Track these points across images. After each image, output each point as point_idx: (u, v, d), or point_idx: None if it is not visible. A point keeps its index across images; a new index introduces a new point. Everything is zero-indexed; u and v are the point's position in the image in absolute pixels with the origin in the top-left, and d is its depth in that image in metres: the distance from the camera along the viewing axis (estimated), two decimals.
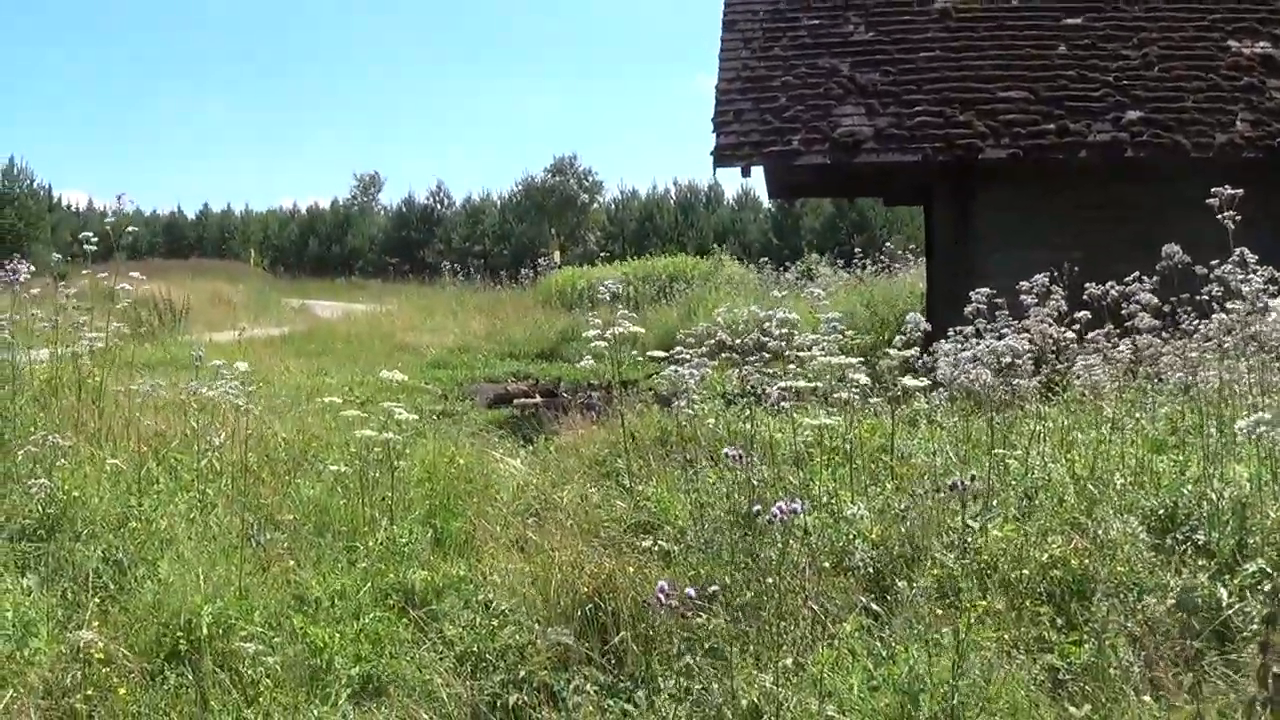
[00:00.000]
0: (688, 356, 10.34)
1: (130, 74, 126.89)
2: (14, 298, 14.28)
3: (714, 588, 5.79)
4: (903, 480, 8.75)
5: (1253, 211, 9.22)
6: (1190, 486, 7.85)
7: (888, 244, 43.39)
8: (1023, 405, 9.92)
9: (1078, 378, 10.01)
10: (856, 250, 41.44)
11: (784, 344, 9.98)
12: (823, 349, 9.08)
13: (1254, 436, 6.42)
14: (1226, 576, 6.55)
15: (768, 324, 10.21)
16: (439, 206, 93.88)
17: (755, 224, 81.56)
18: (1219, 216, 6.95)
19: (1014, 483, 8.47)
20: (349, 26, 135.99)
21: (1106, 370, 9.79)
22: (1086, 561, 6.92)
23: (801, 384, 8.72)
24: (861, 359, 9.52)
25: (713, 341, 11.21)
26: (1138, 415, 9.54)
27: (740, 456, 7.43)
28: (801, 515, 6.42)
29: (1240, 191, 7.03)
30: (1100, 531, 7.26)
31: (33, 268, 14.79)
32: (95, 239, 12.87)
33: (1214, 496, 7.47)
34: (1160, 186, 18.17)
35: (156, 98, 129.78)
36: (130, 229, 13.83)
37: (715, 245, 56.19)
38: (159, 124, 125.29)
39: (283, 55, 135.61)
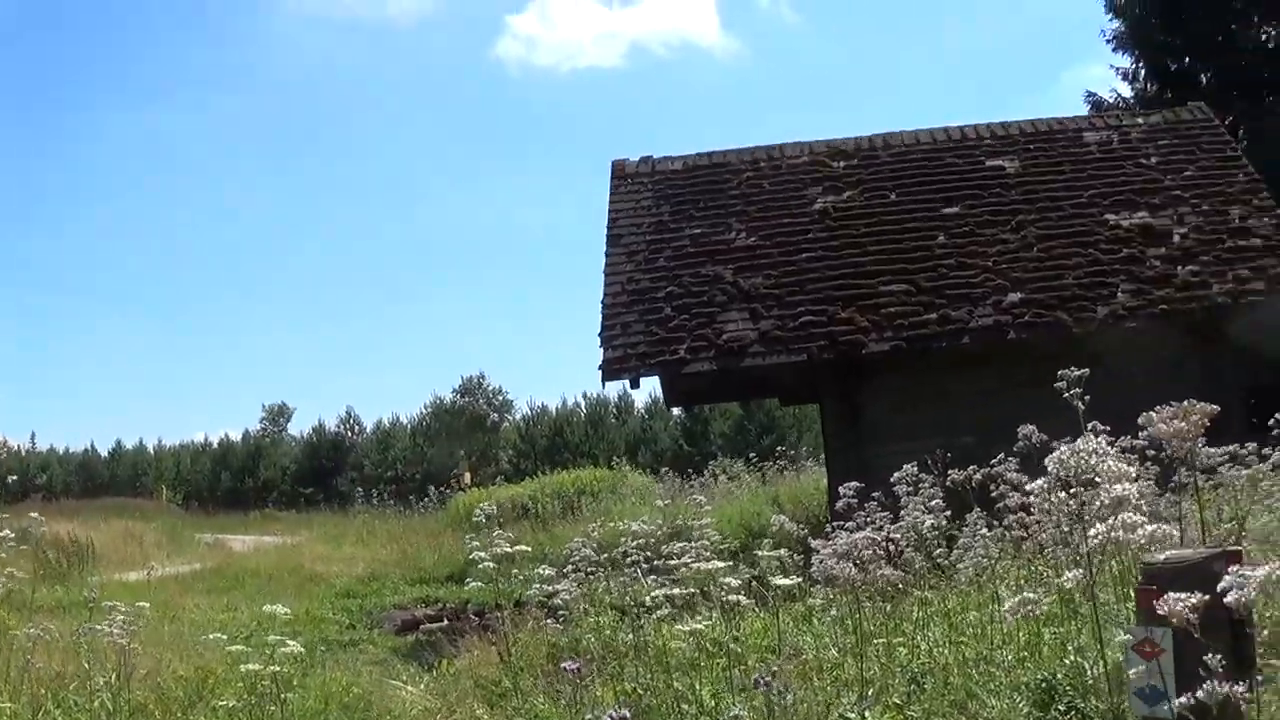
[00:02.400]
0: (574, 571, 10.45)
1: (38, 315, 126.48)
2: None
3: None
4: (790, 677, 8.83)
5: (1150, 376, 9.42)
6: (1072, 658, 7.95)
7: (783, 445, 43.81)
8: (911, 592, 10.03)
9: (960, 561, 10.15)
10: (765, 451, 41.74)
11: (653, 554, 10.11)
12: (692, 555, 9.17)
13: (1020, 615, 6.56)
14: None
15: (631, 539, 10.35)
16: (349, 434, 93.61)
17: (666, 432, 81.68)
18: (1065, 395, 7.11)
19: (900, 669, 8.56)
20: (241, 253, 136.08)
21: (990, 551, 9.94)
22: None
23: (677, 591, 8.80)
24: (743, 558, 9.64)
25: (606, 556, 11.31)
26: (1024, 597, 9.65)
27: (578, 669, 7.52)
28: None
29: (1087, 371, 7.19)
30: (981, 711, 7.35)
31: None
32: (14, 478, 12.88)
33: (1090, 666, 7.57)
34: (1050, 364, 18.55)
35: (64, 337, 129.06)
36: (43, 469, 13.85)
37: (626, 456, 56.37)
38: (68, 362, 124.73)
39: (187, 286, 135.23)
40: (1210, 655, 3.84)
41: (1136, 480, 6.94)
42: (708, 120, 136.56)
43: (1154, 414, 6.14)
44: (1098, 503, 4.75)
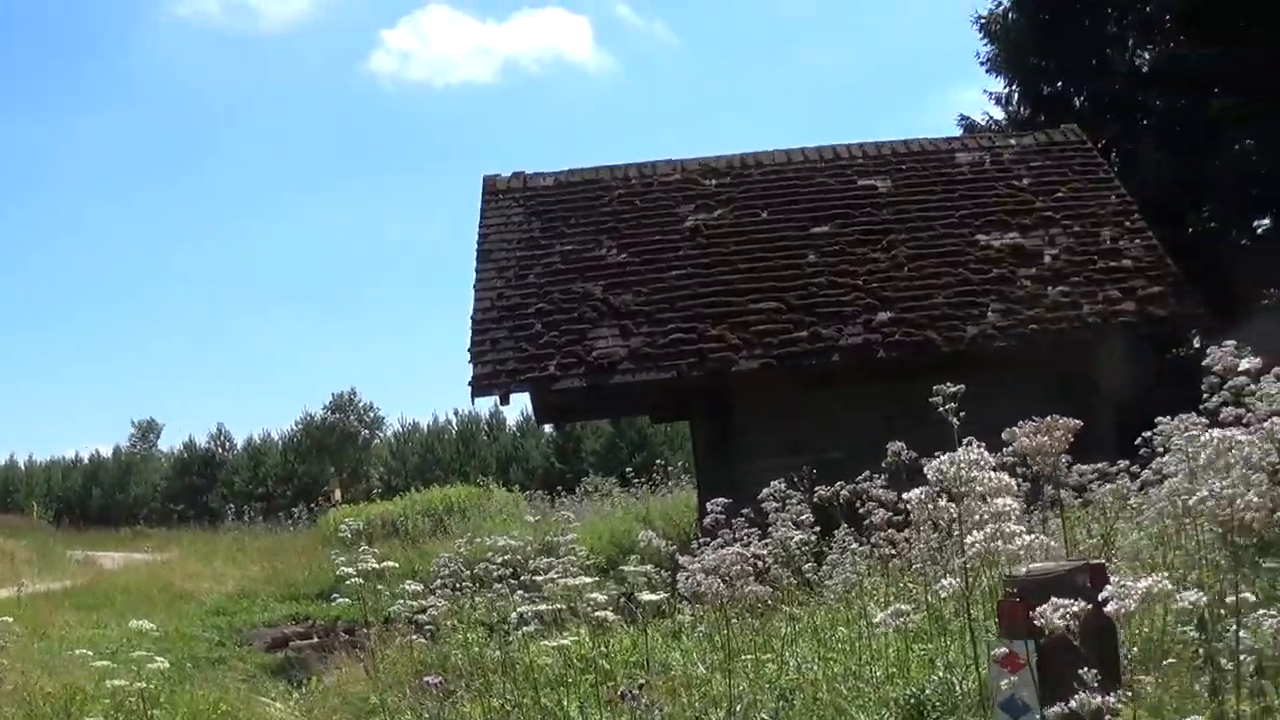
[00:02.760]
0: (441, 588, 10.38)
1: None
2: None
3: None
4: (658, 693, 8.78)
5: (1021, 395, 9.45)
6: (940, 674, 7.95)
7: (655, 463, 43.84)
8: (779, 608, 10.01)
9: (828, 578, 10.15)
10: (637, 469, 41.71)
11: (519, 569, 10.05)
12: (559, 571, 9.10)
13: (893, 626, 6.57)
14: None
15: (498, 554, 10.29)
16: (220, 450, 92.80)
17: (538, 449, 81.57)
18: (940, 410, 7.10)
19: (768, 685, 8.53)
20: (110, 267, 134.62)
21: (858, 566, 9.95)
22: None
23: (545, 607, 8.73)
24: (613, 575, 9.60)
25: (473, 572, 11.24)
26: (896, 608, 9.65)
27: (442, 683, 7.47)
28: None
29: (962, 387, 7.19)
30: None
31: None
32: None
33: (959, 682, 7.57)
34: (919, 381, 18.66)
35: None
36: None
37: (498, 473, 56.27)
38: None
39: (53, 301, 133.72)
40: (1084, 668, 3.83)
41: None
42: (581, 137, 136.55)
43: (1017, 429, 6.14)
44: (977, 514, 4.73)
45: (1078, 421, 5.90)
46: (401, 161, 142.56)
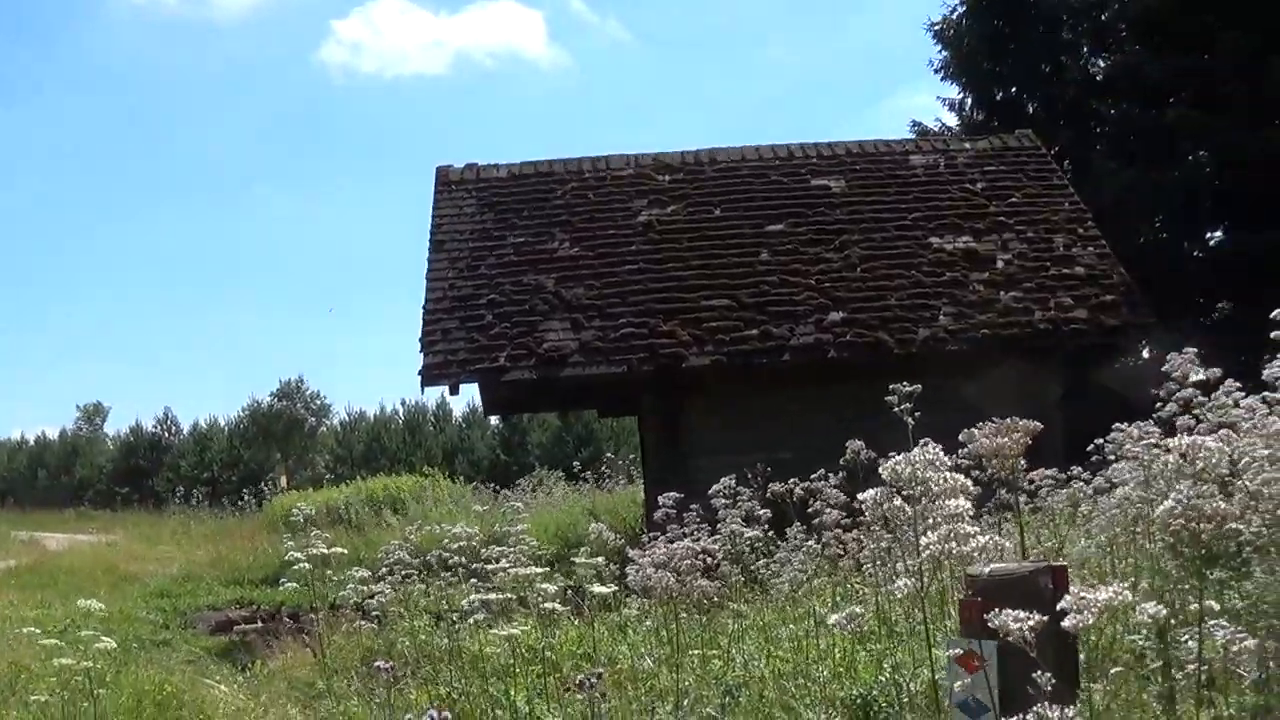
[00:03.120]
0: (389, 574, 10.37)
1: None
2: None
3: None
4: (605, 685, 8.76)
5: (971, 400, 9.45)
6: (887, 674, 7.95)
7: (608, 455, 43.87)
8: (727, 605, 10.01)
9: (776, 576, 10.15)
10: (583, 463, 41.74)
11: (469, 559, 10.05)
12: (510, 561, 9.07)
13: (846, 628, 6.58)
14: None
15: (451, 541, 10.29)
16: (166, 434, 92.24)
17: (483, 441, 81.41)
18: (895, 410, 7.10)
19: (714, 681, 8.52)
20: (60, 251, 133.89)
21: (807, 565, 9.96)
22: None
23: (494, 596, 8.70)
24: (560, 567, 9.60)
25: (421, 560, 11.23)
26: (841, 608, 9.65)
27: (391, 669, 7.45)
28: None
29: (918, 387, 7.19)
30: None
31: None
32: None
33: (907, 683, 7.56)
34: (870, 383, 18.72)
35: None
36: None
37: (444, 463, 56.13)
38: None
39: (1, 283, 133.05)
40: (1039, 673, 3.82)
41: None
42: (533, 131, 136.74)
43: (975, 430, 6.14)
44: (930, 516, 4.72)
45: (1037, 424, 5.89)
46: (353, 152, 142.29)
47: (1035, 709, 3.71)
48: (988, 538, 4.43)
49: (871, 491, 5.15)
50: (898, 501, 4.98)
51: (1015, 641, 3.85)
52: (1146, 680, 5.92)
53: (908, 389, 7.18)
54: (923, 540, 4.51)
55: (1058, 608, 3.84)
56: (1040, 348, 20.74)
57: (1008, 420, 5.93)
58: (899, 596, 6.42)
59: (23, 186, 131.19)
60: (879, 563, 9.15)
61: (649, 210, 23.15)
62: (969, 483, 4.81)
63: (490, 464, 67.38)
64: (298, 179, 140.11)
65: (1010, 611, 3.89)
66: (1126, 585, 3.91)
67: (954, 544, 4.36)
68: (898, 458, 4.90)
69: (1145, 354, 25.01)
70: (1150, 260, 27.12)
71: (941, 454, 4.93)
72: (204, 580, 29.39)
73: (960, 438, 6.31)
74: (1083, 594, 3.81)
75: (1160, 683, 5.69)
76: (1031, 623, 3.84)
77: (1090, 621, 3.77)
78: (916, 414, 7.02)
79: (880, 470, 5.02)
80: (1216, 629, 5.10)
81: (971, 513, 4.60)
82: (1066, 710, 3.72)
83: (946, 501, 4.54)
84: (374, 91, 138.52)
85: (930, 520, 4.63)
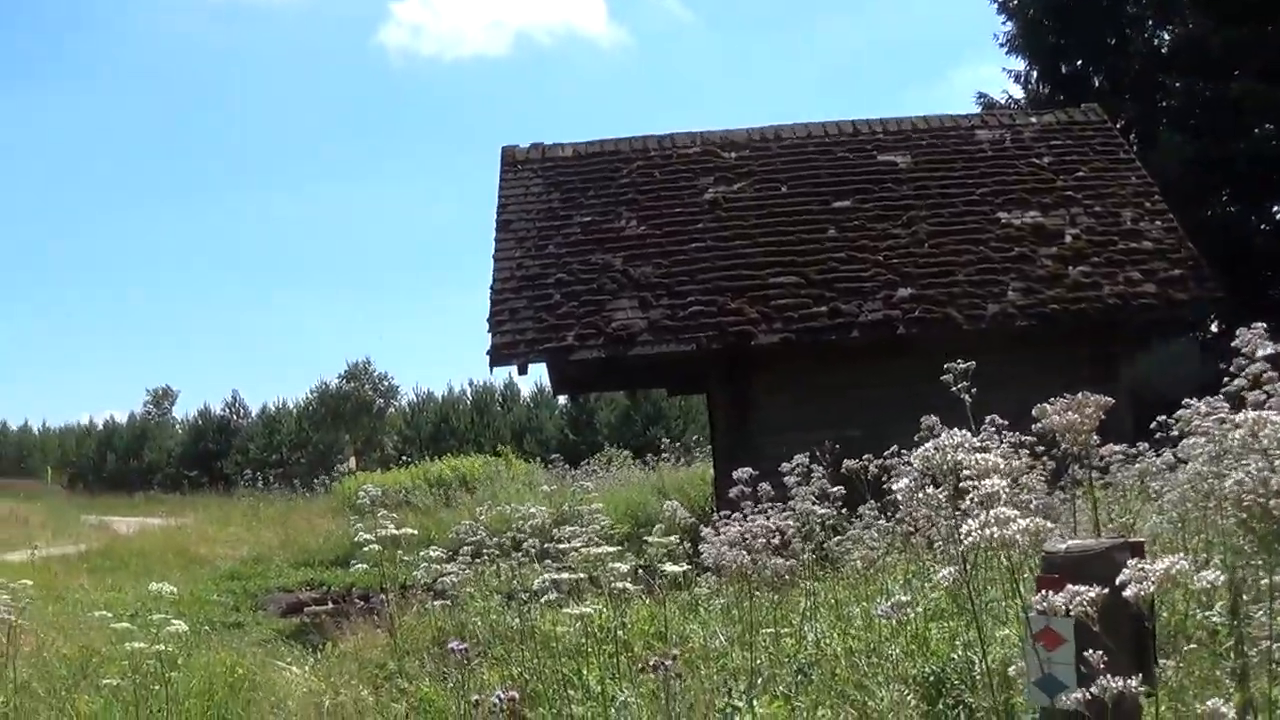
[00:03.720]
0: (462, 555, 10.42)
1: None
2: None
3: None
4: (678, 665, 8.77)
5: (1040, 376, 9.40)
6: (960, 652, 7.92)
7: (669, 436, 43.89)
8: (799, 583, 10.00)
9: (848, 553, 10.14)
10: (651, 442, 41.75)
11: (542, 539, 10.09)
12: (582, 541, 9.07)
13: (892, 617, 6.58)
14: None
15: (522, 521, 10.32)
16: (235, 417, 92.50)
17: (551, 420, 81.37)
18: (953, 390, 7.07)
19: (788, 660, 8.52)
20: (128, 236, 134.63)
21: (879, 543, 9.96)
22: None
23: (566, 575, 8.72)
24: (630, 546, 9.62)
25: (496, 540, 11.27)
26: (916, 585, 9.62)
27: (465, 650, 7.49)
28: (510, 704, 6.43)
29: (972, 364, 7.15)
30: (869, 702, 7.32)
31: None
32: None
33: (979, 661, 7.54)
34: (939, 359, 18.64)
35: None
36: None
37: (512, 443, 56.23)
38: None
39: (68, 269, 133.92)
40: (1109, 649, 3.80)
41: (1029, 472, 6.89)
42: (594, 111, 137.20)
43: (1048, 405, 6.11)
44: (967, 499, 4.69)
45: (1109, 399, 5.86)
46: (413, 134, 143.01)
47: (1102, 680, 3.70)
48: (1028, 521, 4.40)
49: (904, 481, 5.12)
50: (932, 489, 4.96)
51: (1078, 615, 3.83)
52: (1220, 658, 5.89)
53: (962, 366, 7.14)
54: (963, 529, 4.49)
55: (1117, 580, 3.83)
56: (1109, 323, 20.61)
57: (1079, 395, 5.90)
58: (944, 587, 6.38)
59: (90, 172, 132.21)
60: (949, 543, 9.13)
61: (715, 188, 23.12)
62: (1000, 461, 4.78)
63: (558, 443, 67.25)
64: (360, 163, 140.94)
65: (1075, 586, 3.88)
66: (1196, 559, 3.89)
67: (995, 529, 4.33)
68: (927, 445, 4.86)
69: (1214, 329, 24.90)
70: (1217, 235, 26.96)
71: (995, 435, 4.91)
72: (274, 562, 29.55)
73: (1034, 412, 6.27)
74: (1141, 564, 3.80)
75: (1233, 659, 5.66)
76: (1092, 595, 3.82)
77: (1151, 590, 3.75)
78: (983, 391, 6.99)
79: (911, 459, 5.00)
80: None
81: (1008, 493, 4.58)
82: (1127, 682, 3.71)
83: (982, 482, 4.50)
84: (434, 73, 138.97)
85: (966, 504, 4.60)
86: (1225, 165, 28.89)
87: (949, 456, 4.68)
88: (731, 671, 8.44)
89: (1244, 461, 5.27)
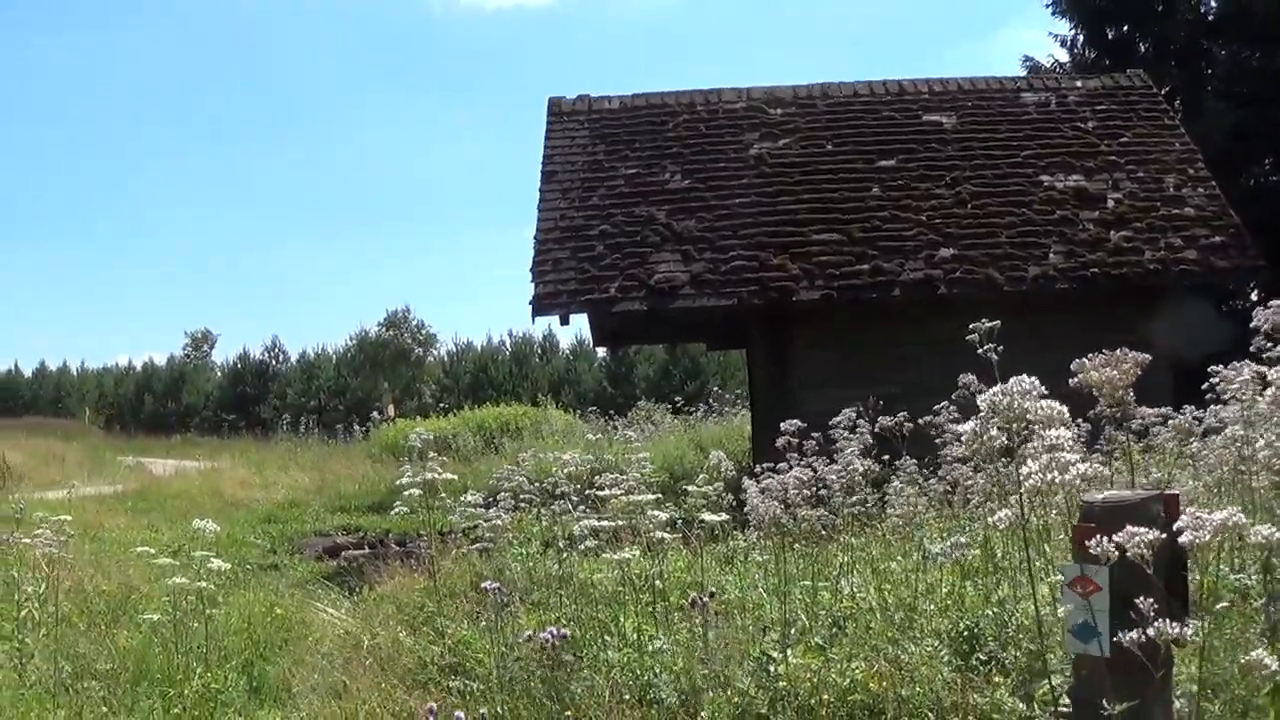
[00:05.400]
0: (501, 503, 10.51)
1: None
2: None
3: None
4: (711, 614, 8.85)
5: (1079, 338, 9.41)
6: (994, 609, 7.98)
7: (716, 389, 43.88)
8: (836, 537, 10.06)
9: (890, 508, 10.21)
10: (689, 396, 41.78)
11: (584, 486, 10.18)
12: (622, 489, 9.15)
13: (951, 556, 6.63)
14: (1024, 692, 6.68)
15: (560, 468, 10.41)
16: (274, 362, 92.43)
17: (590, 373, 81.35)
18: (980, 351, 7.11)
19: (823, 612, 8.59)
20: (170, 180, 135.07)
21: (919, 500, 10.02)
22: (884, 684, 7.04)
23: (606, 523, 8.80)
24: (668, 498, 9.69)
25: (535, 487, 11.36)
26: (955, 540, 9.66)
27: (499, 588, 7.59)
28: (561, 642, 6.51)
29: (998, 323, 7.18)
30: (902, 655, 7.38)
31: None
32: None
33: (1010, 617, 7.59)
34: (977, 320, 18.61)
35: None
36: None
37: (550, 394, 56.30)
38: None
39: (111, 211, 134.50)
40: (1147, 596, 3.87)
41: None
42: (636, 64, 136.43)
43: (1085, 361, 6.15)
44: (1031, 444, 4.75)
45: (1146, 356, 5.91)
46: (454, 83, 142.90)
47: (1152, 626, 3.77)
48: (1088, 465, 4.46)
49: (971, 423, 5.19)
50: (994, 432, 5.02)
51: (1133, 558, 3.90)
52: (1249, 619, 5.95)
53: (987, 325, 7.17)
54: (1023, 470, 4.55)
55: (1174, 528, 3.89)
56: (1150, 287, 20.61)
57: (1117, 351, 5.95)
58: (1000, 529, 6.43)
59: (137, 114, 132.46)
60: (985, 498, 9.17)
61: (760, 144, 23.13)
62: (1066, 410, 4.85)
63: (596, 395, 67.38)
64: (401, 112, 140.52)
65: (1130, 528, 3.94)
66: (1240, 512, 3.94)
67: (1055, 473, 4.40)
68: (995, 388, 4.93)
69: (1253, 297, 24.84)
70: (1261, 203, 26.91)
71: (1038, 384, 4.96)
72: (310, 507, 29.59)
73: (1072, 367, 6.31)
74: (1199, 513, 3.86)
75: (1264, 620, 5.72)
76: (1149, 538, 3.89)
77: (1206, 539, 3.82)
78: (1023, 352, 7.02)
79: (979, 400, 5.06)
80: None
81: (1070, 441, 4.64)
82: (1183, 630, 3.78)
83: (1046, 431, 4.57)
84: (476, 22, 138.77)
85: (1029, 449, 4.67)
86: (1270, 134, 28.79)
87: (1015, 403, 4.75)
88: (768, 622, 8.52)
89: (1269, 428, 5.34)
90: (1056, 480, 4.39)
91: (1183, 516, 3.89)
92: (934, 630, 7.86)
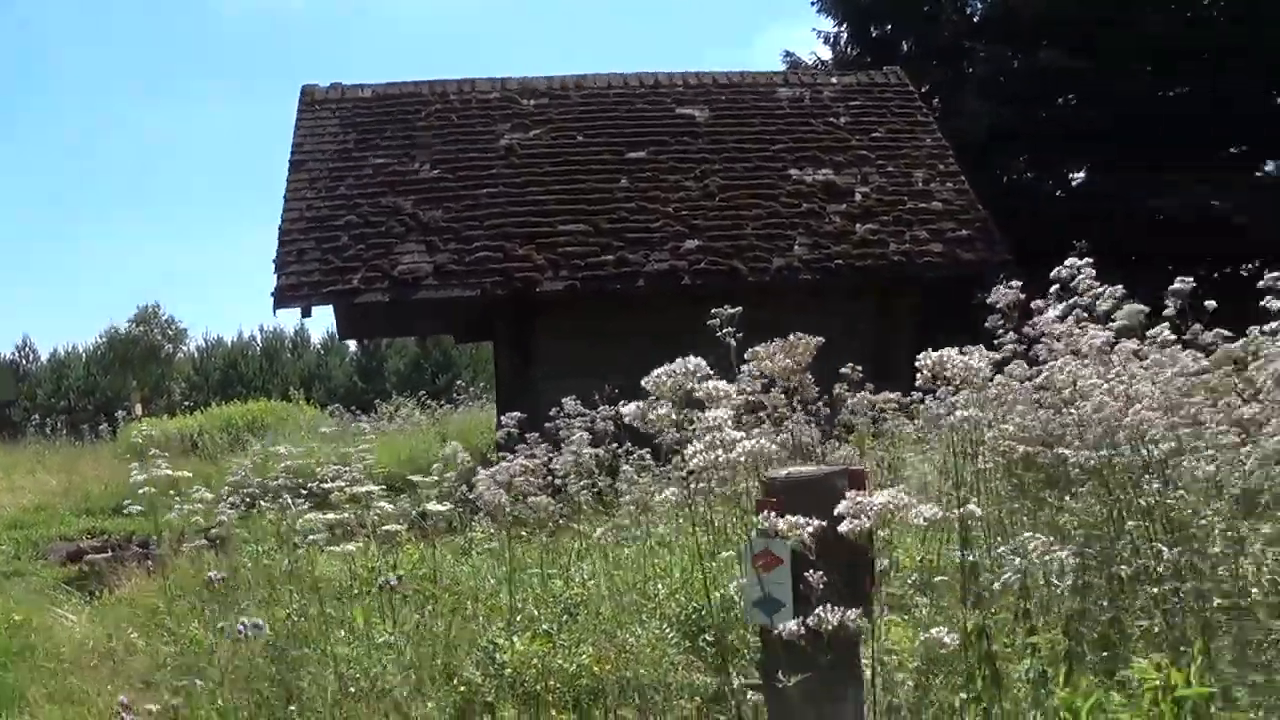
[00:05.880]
0: (230, 497, 10.40)
1: None
2: None
3: None
4: (440, 604, 8.81)
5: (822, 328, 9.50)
6: (723, 591, 8.02)
7: (464, 382, 43.99)
8: (572, 525, 10.06)
9: (623, 495, 10.22)
10: (440, 390, 41.78)
11: (307, 480, 10.11)
12: (345, 481, 9.06)
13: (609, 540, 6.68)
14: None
15: (276, 462, 10.35)
16: (24, 362, 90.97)
17: (341, 368, 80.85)
18: (718, 335, 7.16)
19: (553, 600, 8.58)
20: None
21: (653, 486, 10.04)
22: (608, 668, 7.05)
23: (331, 516, 8.71)
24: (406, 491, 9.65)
25: (261, 482, 11.24)
26: (687, 528, 9.71)
27: (222, 578, 7.51)
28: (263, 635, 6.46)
29: (739, 310, 7.24)
30: (629, 639, 7.39)
31: None
32: None
33: (738, 599, 7.63)
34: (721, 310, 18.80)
35: None
36: None
37: (301, 390, 55.83)
38: None
39: None
40: (828, 576, 3.88)
41: (792, 415, 6.98)
42: (398, 55, 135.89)
43: (761, 349, 6.20)
44: (695, 425, 4.76)
45: (819, 339, 5.98)
46: (213, 70, 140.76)
47: (822, 612, 3.77)
48: (753, 442, 4.47)
49: (633, 405, 5.18)
50: (662, 410, 5.01)
51: (795, 545, 3.90)
52: (966, 591, 6.04)
53: (729, 312, 7.21)
54: (687, 451, 4.56)
55: (835, 512, 3.90)
56: (895, 279, 20.98)
57: (791, 337, 6.00)
58: (664, 509, 6.45)
59: None
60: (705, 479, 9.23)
61: (512, 134, 23.15)
62: (733, 390, 4.85)
63: (347, 390, 66.96)
64: (162, 96, 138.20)
65: (791, 517, 3.94)
66: (949, 500, 3.98)
67: (719, 452, 4.39)
68: (660, 369, 4.93)
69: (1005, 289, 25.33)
70: (1014, 199, 27.50)
71: (704, 364, 4.96)
72: (57, 510, 28.99)
73: (745, 355, 6.37)
74: (860, 497, 3.87)
75: (971, 588, 5.82)
76: (811, 527, 3.89)
77: (867, 526, 3.83)
78: (763, 340, 7.06)
79: (643, 382, 5.05)
80: (1030, 540, 5.21)
81: (730, 420, 4.64)
82: (850, 612, 3.78)
83: (707, 412, 4.57)
84: (239, 7, 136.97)
85: (695, 428, 4.68)
86: (1029, 133, 29.49)
87: (679, 382, 4.73)
88: (498, 610, 8.50)
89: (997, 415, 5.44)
90: (722, 458, 4.39)
91: (843, 501, 3.90)
92: (662, 614, 7.88)
